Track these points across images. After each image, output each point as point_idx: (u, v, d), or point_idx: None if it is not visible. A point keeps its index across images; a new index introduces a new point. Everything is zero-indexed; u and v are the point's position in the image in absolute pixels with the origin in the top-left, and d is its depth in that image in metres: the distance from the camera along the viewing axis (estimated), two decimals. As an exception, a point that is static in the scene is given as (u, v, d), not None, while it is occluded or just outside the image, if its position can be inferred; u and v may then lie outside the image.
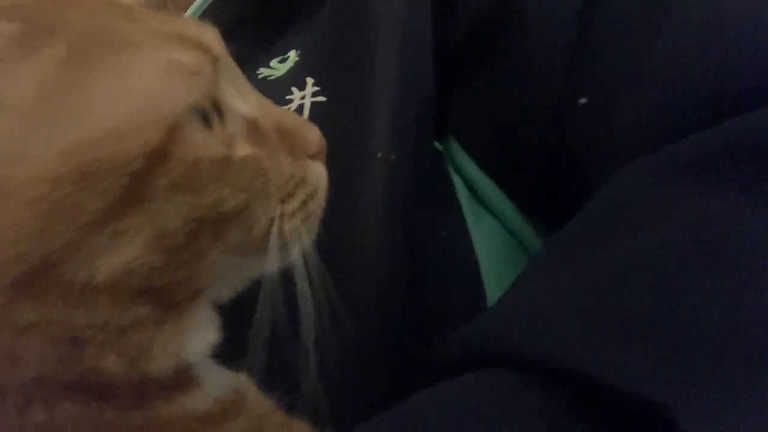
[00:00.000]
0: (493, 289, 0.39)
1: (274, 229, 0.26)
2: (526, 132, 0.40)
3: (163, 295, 0.22)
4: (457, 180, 0.43)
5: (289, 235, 0.27)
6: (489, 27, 0.41)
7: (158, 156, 0.21)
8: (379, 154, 0.38)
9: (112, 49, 0.21)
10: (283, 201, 0.27)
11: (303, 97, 0.44)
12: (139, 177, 0.20)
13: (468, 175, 0.43)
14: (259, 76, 0.49)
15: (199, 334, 0.25)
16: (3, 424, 0.21)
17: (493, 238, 0.42)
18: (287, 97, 0.45)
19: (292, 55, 0.49)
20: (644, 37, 0.34)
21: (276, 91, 0.47)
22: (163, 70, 0.22)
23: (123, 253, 0.21)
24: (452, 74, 0.42)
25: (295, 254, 0.28)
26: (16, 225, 0.19)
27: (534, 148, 0.39)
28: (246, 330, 0.29)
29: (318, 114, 0.43)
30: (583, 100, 0.36)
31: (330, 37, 0.46)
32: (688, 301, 0.21)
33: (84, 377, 0.21)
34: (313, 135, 0.31)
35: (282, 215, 0.26)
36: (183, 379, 0.25)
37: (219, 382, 0.28)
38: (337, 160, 0.42)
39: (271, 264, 0.26)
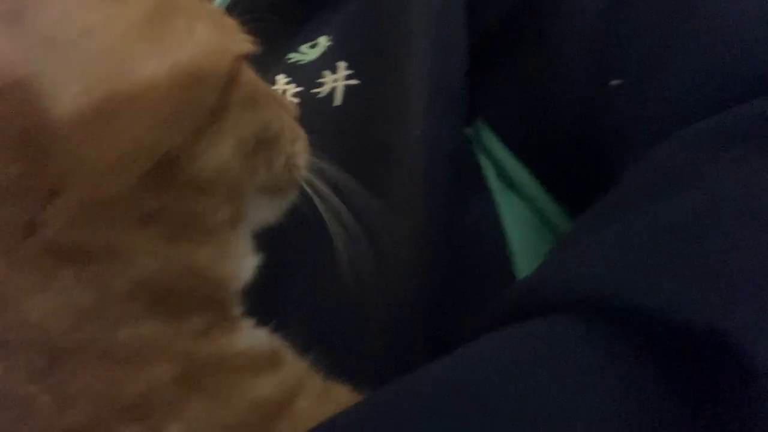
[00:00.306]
0: (522, 267, 0.41)
1: (293, 162, 0.34)
2: (557, 114, 0.42)
3: (235, 203, 0.28)
4: (485, 161, 0.45)
5: (305, 168, 0.36)
6: (521, 11, 0.43)
7: (231, 78, 0.28)
8: (418, 132, 0.41)
9: (182, 8, 0.27)
10: (292, 143, 0.34)
11: (335, 80, 0.47)
12: (223, 92, 0.27)
13: (497, 157, 0.45)
14: (289, 61, 0.52)
15: (246, 257, 0.31)
16: (92, 346, 0.23)
17: (521, 217, 0.44)
18: (318, 81, 0.48)
19: (323, 41, 0.51)
20: (676, 16, 0.36)
21: (306, 75, 0.49)
22: (222, 26, 0.29)
23: (220, 152, 0.27)
24: (484, 57, 0.44)
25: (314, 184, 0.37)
26: (147, 123, 0.24)
27: (564, 130, 0.42)
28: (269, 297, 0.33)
29: (352, 96, 0.45)
30: (615, 82, 0.38)
31: (363, 22, 0.48)
32: (750, 247, 0.23)
33: (177, 282, 0.25)
34: (290, 101, 0.40)
35: (294, 155, 0.34)
36: (232, 315, 0.29)
37: (257, 333, 0.31)
38: (371, 139, 0.44)
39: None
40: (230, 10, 0.58)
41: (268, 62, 0.54)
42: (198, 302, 0.26)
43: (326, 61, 0.49)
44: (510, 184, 0.45)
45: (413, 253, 0.39)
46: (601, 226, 0.28)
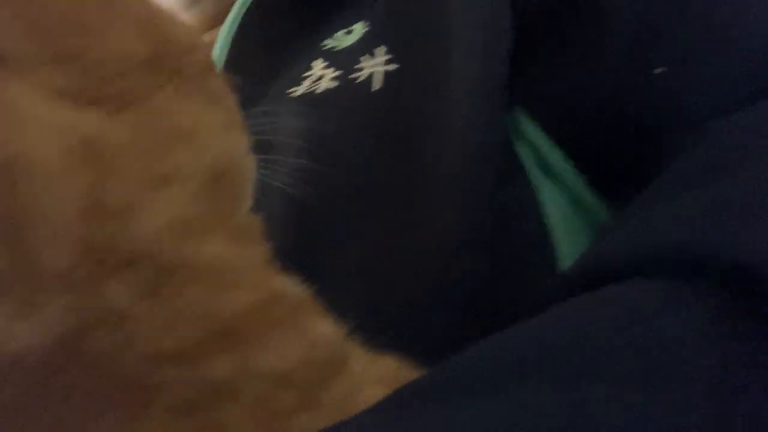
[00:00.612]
0: (564, 254, 0.43)
1: None
2: (597, 102, 0.44)
3: None
4: (523, 149, 0.47)
5: None
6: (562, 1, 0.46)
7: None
8: (463, 115, 0.43)
9: None
10: None
11: (374, 65, 0.49)
12: None
13: (535, 144, 0.47)
14: (325, 48, 0.54)
15: None
16: (190, 263, 0.24)
17: (560, 205, 0.46)
18: (356, 66, 0.50)
19: (359, 27, 0.53)
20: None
21: (344, 60, 0.51)
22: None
23: None
24: (524, 44, 0.46)
25: None
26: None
27: (603, 117, 0.44)
28: None
29: (392, 81, 0.48)
30: (658, 70, 0.41)
31: (402, 7, 0.51)
32: None
33: (228, 171, 0.29)
34: None
35: None
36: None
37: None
38: (411, 125, 0.46)
39: None
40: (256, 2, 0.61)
41: (301, 49, 0.56)
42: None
43: (364, 46, 0.51)
44: (548, 171, 0.47)
45: (455, 241, 0.41)
46: (678, 196, 0.29)
